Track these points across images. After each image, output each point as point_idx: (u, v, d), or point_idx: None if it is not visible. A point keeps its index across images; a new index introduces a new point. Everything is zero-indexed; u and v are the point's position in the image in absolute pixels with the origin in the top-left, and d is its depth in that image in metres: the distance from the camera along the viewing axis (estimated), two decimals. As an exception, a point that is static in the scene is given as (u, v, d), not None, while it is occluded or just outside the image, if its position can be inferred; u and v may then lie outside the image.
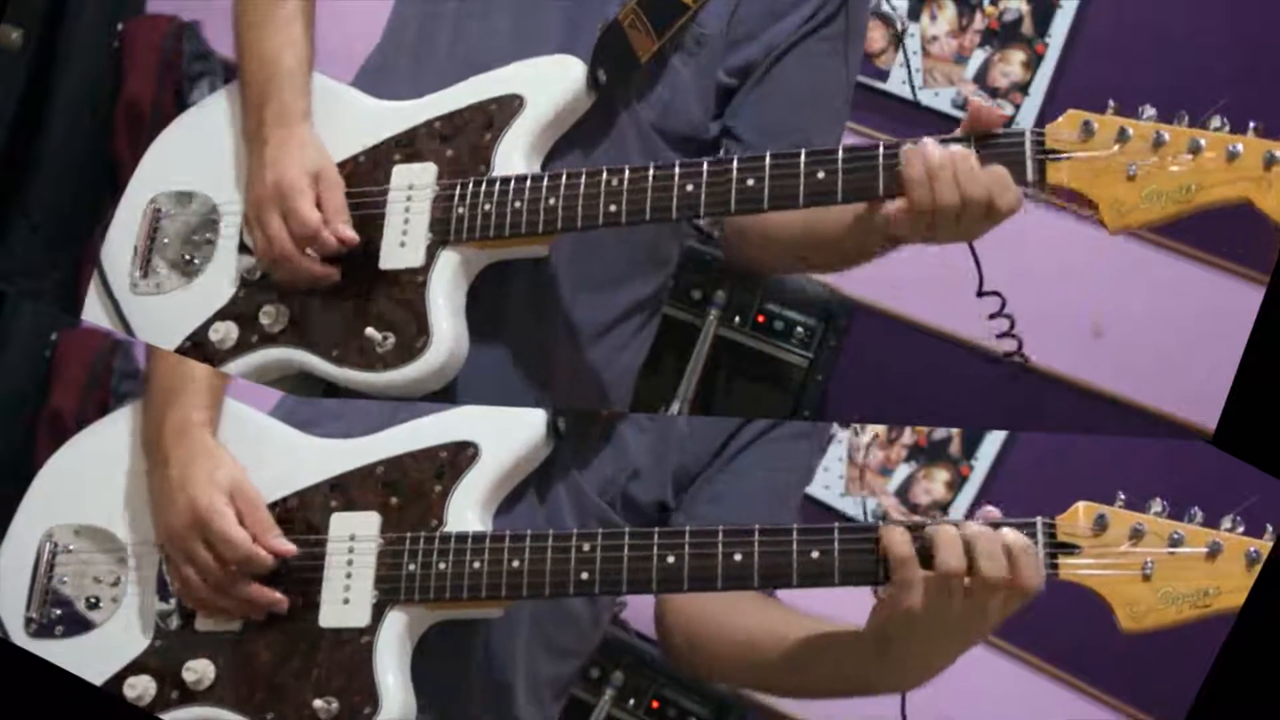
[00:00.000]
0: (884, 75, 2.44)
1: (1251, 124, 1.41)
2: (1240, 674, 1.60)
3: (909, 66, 2.43)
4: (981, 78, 2.48)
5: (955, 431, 2.48)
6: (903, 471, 2.55)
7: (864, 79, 2.40)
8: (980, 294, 1.82)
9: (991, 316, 1.85)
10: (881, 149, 1.51)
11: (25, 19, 2.27)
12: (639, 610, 2.26)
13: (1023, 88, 2.45)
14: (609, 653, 2.26)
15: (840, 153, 1.52)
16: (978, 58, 2.49)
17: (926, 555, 1.41)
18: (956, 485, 2.51)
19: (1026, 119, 2.45)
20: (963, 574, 1.38)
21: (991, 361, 2.11)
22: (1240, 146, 1.41)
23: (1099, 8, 2.41)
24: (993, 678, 2.42)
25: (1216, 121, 1.42)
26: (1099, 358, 2.37)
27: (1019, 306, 1.91)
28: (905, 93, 2.46)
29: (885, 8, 2.45)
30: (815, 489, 2.55)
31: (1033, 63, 2.45)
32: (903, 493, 2.54)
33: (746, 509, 1.70)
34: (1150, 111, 1.44)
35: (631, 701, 2.26)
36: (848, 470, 2.57)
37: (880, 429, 2.54)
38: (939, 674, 1.47)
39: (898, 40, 2.46)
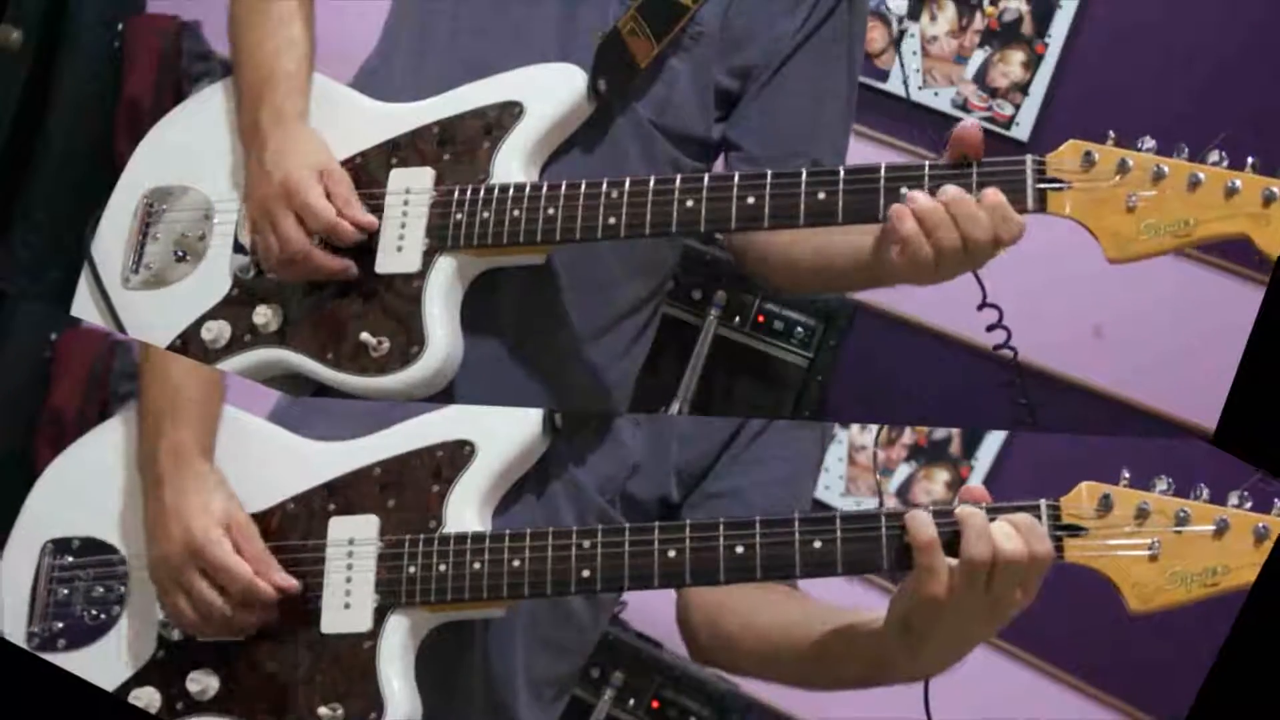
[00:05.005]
0: (884, 75, 2.44)
1: (1250, 159, 1.41)
2: (1240, 674, 1.59)
3: (902, 67, 2.44)
4: (981, 78, 2.49)
5: (955, 431, 2.48)
6: (903, 471, 2.56)
7: (864, 79, 2.40)
8: (981, 307, 1.81)
9: (990, 328, 1.85)
10: (883, 170, 1.49)
11: (25, 19, 2.27)
12: (639, 610, 2.26)
13: (1022, 88, 2.45)
14: (609, 653, 2.26)
15: (842, 173, 1.51)
16: (978, 58, 2.49)
17: (949, 542, 1.39)
18: (956, 485, 2.51)
19: (1026, 119, 2.45)
20: (989, 564, 1.37)
21: (982, 357, 2.11)
22: (1239, 182, 1.39)
23: (1099, 8, 2.41)
24: (993, 677, 2.43)
25: (1215, 156, 1.41)
26: (1099, 358, 2.37)
27: (1019, 307, 1.91)
28: (905, 93, 2.46)
29: (885, 7, 2.45)
30: (815, 489, 2.56)
31: (1032, 63, 2.45)
32: (903, 493, 2.55)
33: (761, 500, 1.69)
34: (1150, 143, 1.43)
35: (631, 701, 2.26)
36: (848, 470, 2.58)
37: (880, 429, 2.54)
38: (961, 660, 1.45)
39: (897, 41, 2.47)
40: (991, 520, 1.38)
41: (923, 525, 1.40)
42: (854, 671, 1.53)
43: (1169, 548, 1.37)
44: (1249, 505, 1.37)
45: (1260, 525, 1.35)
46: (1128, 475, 1.40)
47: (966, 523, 1.38)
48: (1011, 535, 1.37)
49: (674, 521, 1.51)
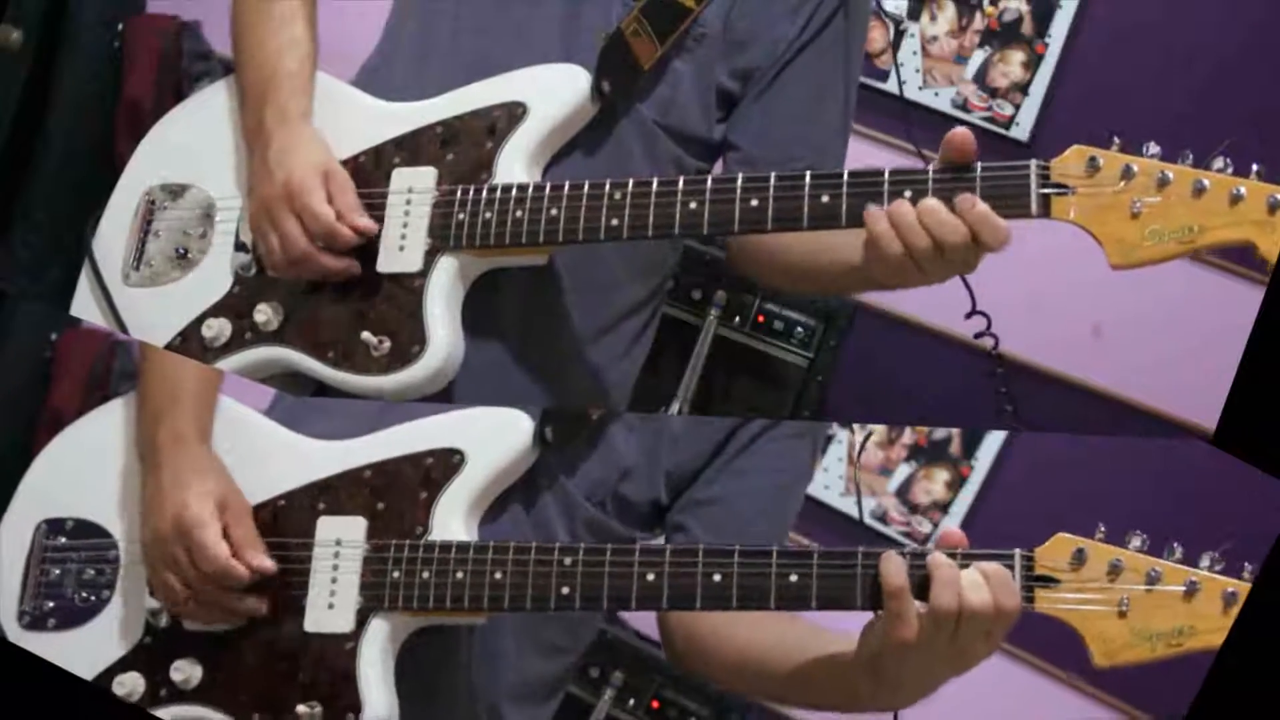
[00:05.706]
0: (884, 75, 2.44)
1: (1255, 166, 1.40)
2: (1240, 674, 1.59)
3: (896, 67, 2.43)
4: (981, 78, 2.48)
5: (955, 431, 2.48)
6: (903, 471, 2.55)
7: (864, 79, 2.40)
8: (969, 315, 1.82)
9: (977, 336, 1.85)
10: (887, 174, 1.49)
11: (25, 19, 2.27)
12: (639, 610, 2.27)
13: (1022, 88, 2.45)
14: (609, 653, 2.26)
15: (845, 176, 1.51)
16: (978, 58, 2.49)
17: (921, 585, 1.40)
18: (956, 485, 2.51)
19: (1026, 119, 2.45)
20: (955, 614, 1.38)
21: (982, 358, 2.12)
22: (1243, 189, 1.39)
23: (1099, 8, 2.41)
24: (993, 678, 2.43)
25: (1220, 162, 1.41)
26: (1099, 358, 2.37)
27: (1018, 307, 1.92)
28: (905, 93, 2.46)
29: (885, 7, 2.45)
30: (815, 489, 2.55)
31: (1032, 63, 2.45)
32: (903, 493, 2.55)
33: (748, 509, 1.70)
34: (1154, 149, 1.43)
35: (631, 701, 2.26)
36: (847, 470, 2.58)
37: (880, 429, 2.54)
38: (930, 694, 1.47)
39: (895, 42, 2.47)
40: (964, 567, 1.40)
41: (894, 571, 1.41)
42: (825, 699, 1.56)
43: (1138, 606, 1.38)
44: (1220, 569, 1.37)
45: (1229, 590, 1.36)
46: (1103, 529, 1.41)
47: (935, 572, 1.39)
48: (980, 586, 1.38)
49: (656, 543, 1.52)
